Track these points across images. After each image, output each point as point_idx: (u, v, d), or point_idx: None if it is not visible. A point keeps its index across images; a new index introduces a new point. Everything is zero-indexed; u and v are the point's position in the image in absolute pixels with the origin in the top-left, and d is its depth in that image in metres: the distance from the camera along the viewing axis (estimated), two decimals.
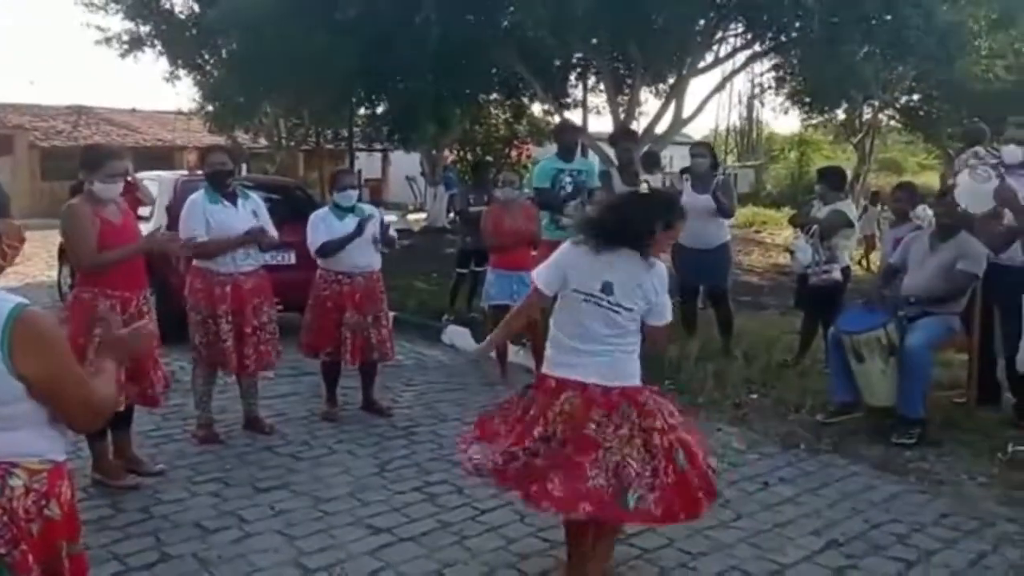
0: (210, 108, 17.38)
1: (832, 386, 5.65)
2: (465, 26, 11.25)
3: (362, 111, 17.67)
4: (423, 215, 21.09)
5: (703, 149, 7.58)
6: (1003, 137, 5.64)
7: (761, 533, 3.91)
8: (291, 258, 7.31)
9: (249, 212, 5.14)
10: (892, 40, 10.21)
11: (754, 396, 6.06)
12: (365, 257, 5.50)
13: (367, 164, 26.15)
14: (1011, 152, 5.32)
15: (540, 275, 3.35)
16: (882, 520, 4.08)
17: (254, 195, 5.35)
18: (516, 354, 7.02)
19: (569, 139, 7.76)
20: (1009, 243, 5.00)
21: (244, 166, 17.07)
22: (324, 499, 4.23)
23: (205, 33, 14.58)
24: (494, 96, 18.35)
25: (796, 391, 6.00)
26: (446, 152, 21.24)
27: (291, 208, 7.83)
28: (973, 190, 5.08)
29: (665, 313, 3.29)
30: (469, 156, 21.33)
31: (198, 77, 17.28)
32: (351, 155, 18.73)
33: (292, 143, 21.29)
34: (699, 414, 5.78)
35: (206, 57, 16.43)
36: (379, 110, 17.00)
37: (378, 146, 21.58)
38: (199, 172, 5.67)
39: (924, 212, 6.92)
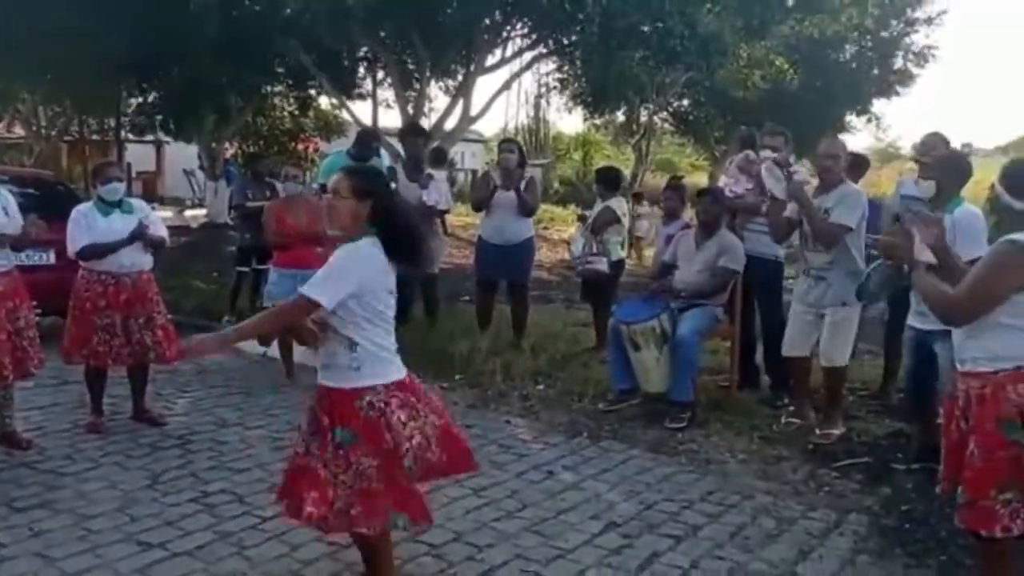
0: None
1: (612, 375, 5.92)
2: (245, 13, 10.80)
3: (132, 99, 16.56)
4: (203, 211, 20.07)
5: (511, 145, 7.67)
6: (759, 144, 6.14)
7: (545, 521, 4.02)
8: (50, 257, 6.72)
9: None
10: (661, 47, 10.85)
11: (541, 387, 6.24)
12: (131, 256, 5.09)
13: (140, 156, 24.54)
14: (767, 155, 5.83)
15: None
16: (656, 500, 4.31)
17: (3, 190, 4.87)
18: (303, 353, 6.82)
19: (365, 152, 7.58)
20: (789, 234, 5.45)
21: None
22: (89, 516, 3.92)
23: None
24: (279, 87, 17.78)
25: (579, 381, 6.23)
26: (227, 145, 20.34)
27: (49, 203, 7.15)
28: (777, 180, 5.53)
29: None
30: (252, 149, 20.52)
31: None
32: (119, 146, 17.50)
33: (53, 133, 19.61)
34: (489, 406, 5.91)
35: None
36: (152, 98, 15.99)
37: (151, 137, 20.27)
38: None
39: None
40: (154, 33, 10.81)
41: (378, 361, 3.04)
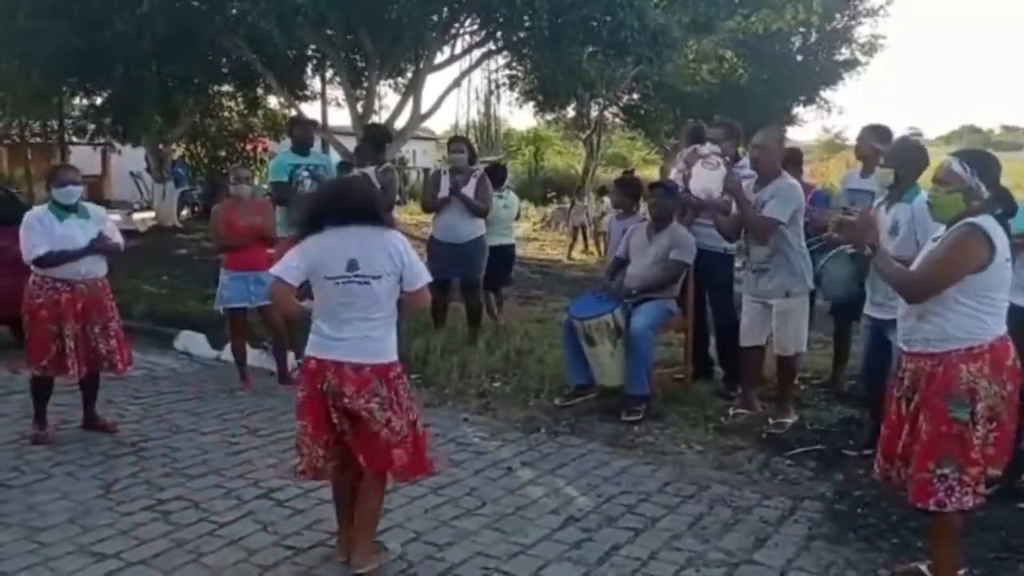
0: None
1: (567, 370, 5.95)
2: (190, 13, 10.63)
3: (77, 101, 16.21)
4: (151, 214, 19.73)
5: (460, 144, 7.64)
6: (706, 138, 6.21)
7: (505, 517, 4.03)
8: None
9: None
10: (611, 41, 10.94)
11: (497, 384, 6.24)
12: (87, 263, 4.96)
13: (84, 159, 23.98)
14: (709, 148, 5.95)
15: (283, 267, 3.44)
16: (614, 493, 4.35)
17: None
18: (258, 357, 6.77)
19: (303, 133, 7.57)
20: (739, 231, 5.52)
21: None
22: (40, 528, 3.83)
23: None
24: (226, 87, 17.54)
25: (535, 377, 6.24)
26: (174, 146, 20.00)
27: None
28: (704, 178, 5.62)
29: (418, 277, 3.44)
30: (201, 151, 20.19)
31: None
32: (63, 149, 17.10)
33: None
34: (446, 404, 5.91)
35: None
36: (97, 100, 15.68)
37: (96, 139, 19.87)
38: None
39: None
40: (97, 33, 10.58)
41: (312, 336, 3.45)
